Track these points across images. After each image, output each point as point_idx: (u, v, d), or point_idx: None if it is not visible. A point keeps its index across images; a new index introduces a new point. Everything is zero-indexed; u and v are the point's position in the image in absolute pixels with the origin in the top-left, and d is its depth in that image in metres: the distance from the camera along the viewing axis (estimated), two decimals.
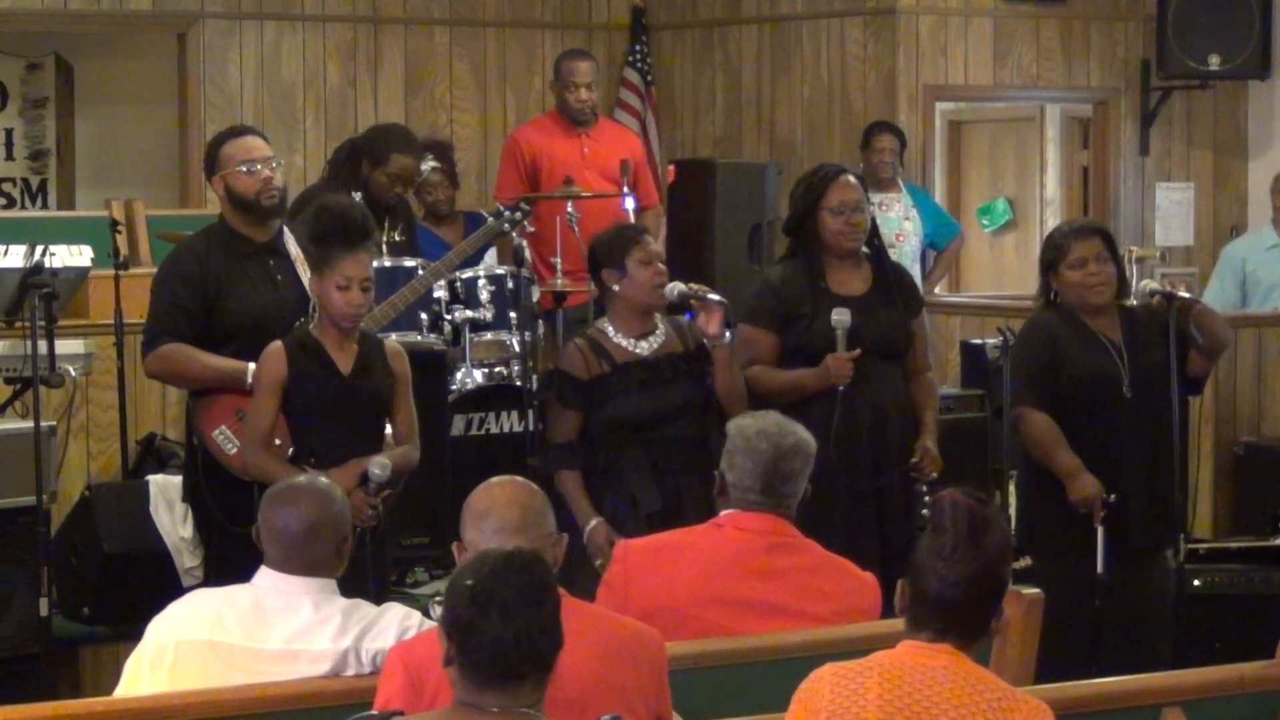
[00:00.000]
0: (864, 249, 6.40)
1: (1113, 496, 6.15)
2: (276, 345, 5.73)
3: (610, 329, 6.12)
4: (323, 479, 4.65)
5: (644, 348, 6.10)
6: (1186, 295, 6.34)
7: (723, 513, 4.97)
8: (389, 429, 5.91)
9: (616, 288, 6.09)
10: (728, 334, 6.06)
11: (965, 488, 3.72)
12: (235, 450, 5.92)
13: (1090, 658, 5.99)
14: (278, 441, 5.75)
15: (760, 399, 6.07)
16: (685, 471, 5.98)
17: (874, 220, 6.49)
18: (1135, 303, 6.53)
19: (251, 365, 5.93)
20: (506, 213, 7.54)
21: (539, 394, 6.29)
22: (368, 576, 5.25)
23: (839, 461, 6.09)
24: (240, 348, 5.94)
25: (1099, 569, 6.13)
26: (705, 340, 6.09)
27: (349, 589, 4.51)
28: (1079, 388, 6.25)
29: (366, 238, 5.83)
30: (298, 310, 5.99)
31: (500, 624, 3.43)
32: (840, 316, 6.16)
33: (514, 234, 7.72)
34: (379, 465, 5.60)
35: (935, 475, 6.30)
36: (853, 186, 6.33)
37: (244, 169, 6.08)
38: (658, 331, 6.14)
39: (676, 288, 6.13)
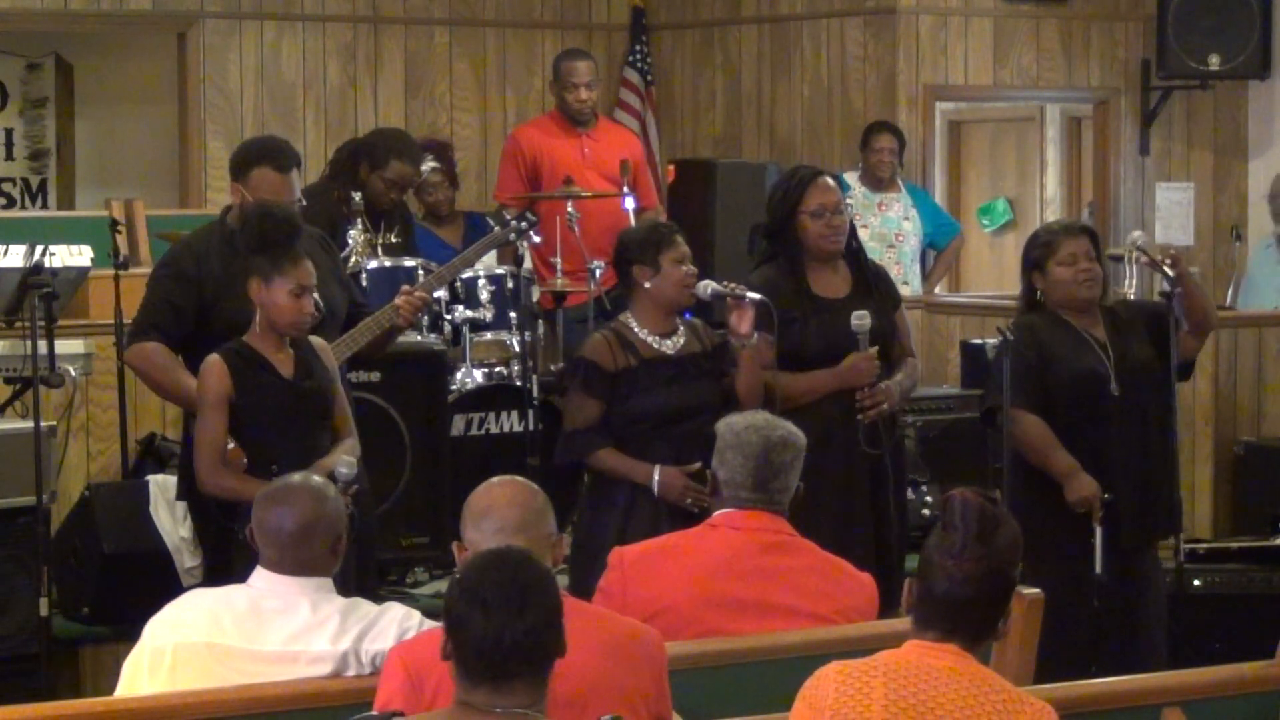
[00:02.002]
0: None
1: (1108, 495, 6.16)
2: (215, 360, 5.65)
3: (635, 324, 6.13)
4: (316, 478, 4.63)
5: (669, 346, 6.12)
6: (1170, 272, 6.29)
7: (716, 513, 4.97)
8: None
9: (648, 284, 6.10)
10: (755, 335, 6.07)
11: (975, 487, 3.71)
12: (233, 446, 5.90)
13: (1088, 658, 5.99)
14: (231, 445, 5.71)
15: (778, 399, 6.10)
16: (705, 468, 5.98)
17: (851, 221, 6.49)
18: (1123, 251, 6.50)
19: None
20: (513, 221, 7.53)
21: (562, 381, 6.28)
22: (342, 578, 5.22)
23: (834, 463, 6.11)
24: None
25: (1097, 568, 6.13)
26: (733, 339, 6.10)
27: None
28: (1067, 388, 6.26)
29: (300, 239, 5.79)
30: None
31: (482, 621, 3.42)
32: (861, 320, 6.17)
33: (519, 242, 7.71)
34: (345, 464, 5.56)
35: (887, 408, 6.26)
36: (831, 188, 6.32)
37: None
38: (680, 331, 6.16)
39: (710, 286, 6.14)
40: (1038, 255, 6.33)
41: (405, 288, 6.42)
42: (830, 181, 6.36)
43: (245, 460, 5.67)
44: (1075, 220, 6.43)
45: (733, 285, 6.17)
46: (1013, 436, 6.22)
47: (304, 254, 5.68)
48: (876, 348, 6.21)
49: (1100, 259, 6.37)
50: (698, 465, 5.84)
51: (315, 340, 5.88)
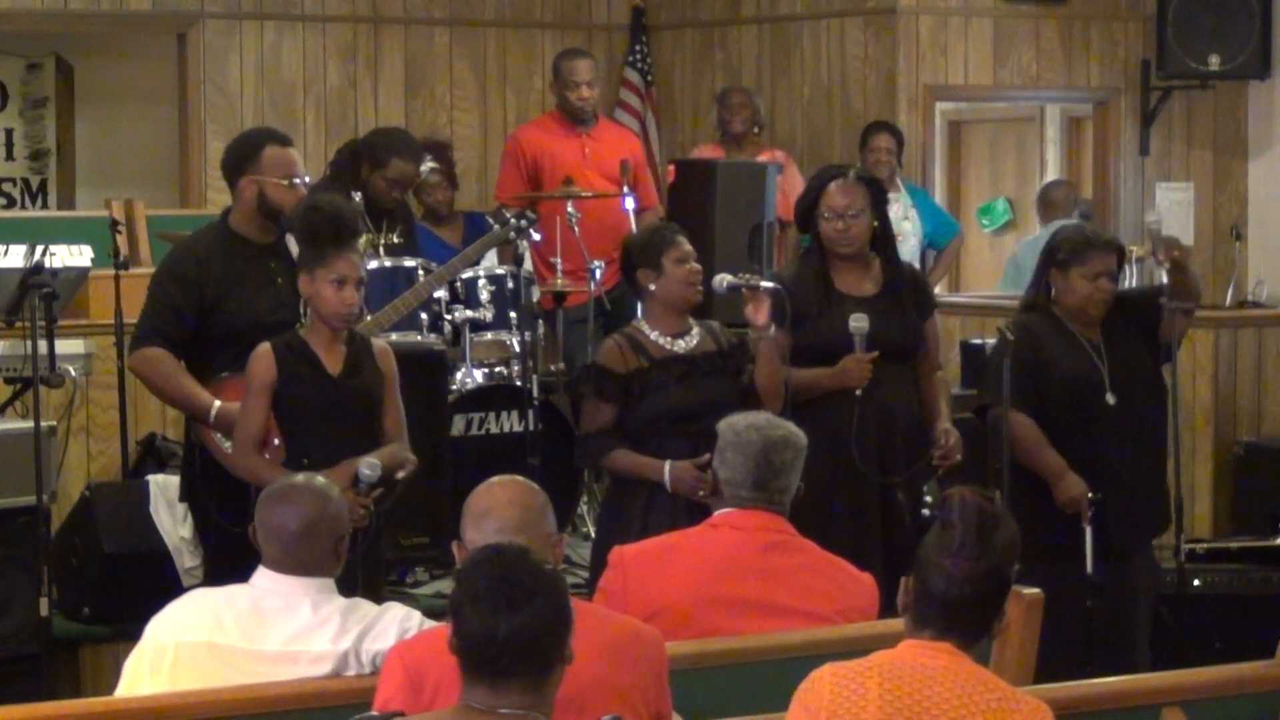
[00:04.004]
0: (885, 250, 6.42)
1: (1099, 495, 6.15)
2: (265, 347, 5.69)
3: (646, 327, 6.16)
4: (319, 478, 4.63)
5: (680, 346, 6.14)
6: (1163, 261, 6.32)
7: (717, 513, 4.98)
8: None
9: (653, 287, 6.13)
10: (773, 326, 6.09)
11: (973, 486, 3.72)
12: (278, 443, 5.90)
13: (1083, 659, 6.00)
14: (276, 442, 5.73)
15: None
16: None
17: (887, 221, 6.49)
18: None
19: (218, 402, 5.93)
20: (513, 219, 7.53)
21: (575, 387, 6.31)
22: (357, 578, 5.23)
23: (846, 462, 6.12)
24: (240, 350, 5.89)
25: (1088, 569, 6.14)
26: (750, 331, 6.12)
27: (340, 589, 4.50)
28: (1062, 390, 6.27)
29: (356, 236, 5.83)
30: (298, 312, 5.98)
31: (470, 614, 3.43)
32: (859, 323, 6.17)
33: (519, 240, 7.71)
34: (368, 466, 5.58)
35: (960, 457, 6.30)
36: (846, 191, 6.30)
37: (286, 182, 6.07)
38: (693, 331, 6.18)
39: (726, 280, 6.19)
40: (1064, 257, 6.31)
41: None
42: (849, 184, 6.32)
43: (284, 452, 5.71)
44: (1110, 236, 6.42)
45: (747, 276, 6.21)
46: (998, 435, 6.22)
47: (349, 246, 5.70)
48: (876, 353, 6.20)
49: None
50: (707, 457, 5.86)
51: (377, 343, 5.91)
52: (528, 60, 11.27)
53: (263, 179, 6.09)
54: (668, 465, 5.99)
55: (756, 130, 10.25)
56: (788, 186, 9.80)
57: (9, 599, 6.90)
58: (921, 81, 10.55)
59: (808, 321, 6.26)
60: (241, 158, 6.19)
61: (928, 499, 7.57)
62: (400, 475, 5.76)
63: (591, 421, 6.14)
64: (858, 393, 6.17)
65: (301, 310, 5.82)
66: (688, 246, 6.18)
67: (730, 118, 10.14)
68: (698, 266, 6.17)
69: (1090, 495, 6.15)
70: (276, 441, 5.74)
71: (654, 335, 6.15)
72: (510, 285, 8.03)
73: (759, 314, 6.10)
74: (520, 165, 9.27)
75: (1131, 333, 6.38)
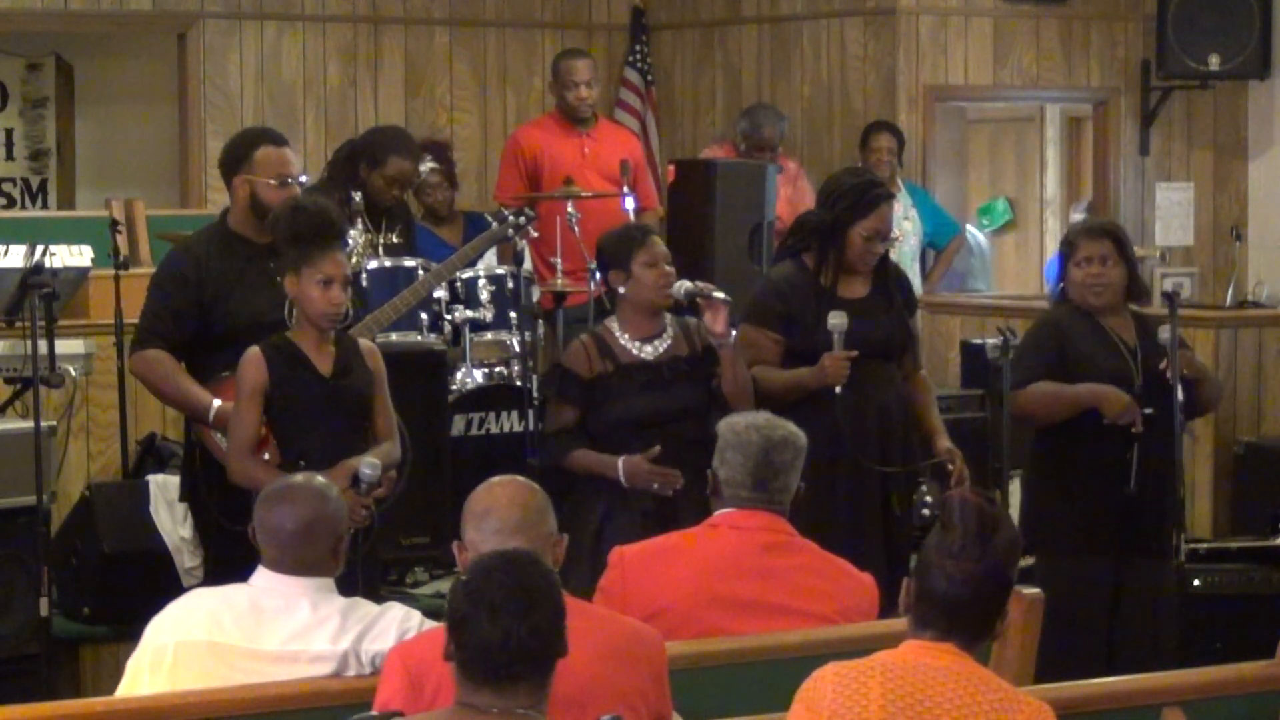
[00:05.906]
0: None
1: (1152, 410, 6.13)
2: (254, 351, 5.66)
3: (616, 329, 6.14)
4: (319, 478, 4.63)
5: (649, 351, 6.12)
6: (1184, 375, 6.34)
7: (716, 513, 4.97)
8: None
9: (622, 289, 6.11)
10: (733, 334, 6.08)
11: (974, 487, 3.72)
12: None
13: (1104, 655, 6.00)
14: (266, 456, 5.72)
15: (761, 399, 6.09)
16: (685, 472, 5.97)
17: None
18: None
19: (217, 402, 5.92)
20: (511, 217, 7.53)
21: (542, 388, 6.33)
22: (357, 578, 5.23)
23: (846, 461, 6.12)
24: (241, 350, 5.88)
25: (1132, 485, 6.13)
26: (711, 340, 6.10)
27: (340, 589, 4.50)
28: (1094, 383, 6.25)
29: (341, 235, 5.82)
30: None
31: (487, 623, 3.44)
32: (837, 320, 6.17)
33: (518, 238, 7.72)
34: (369, 465, 5.57)
35: (967, 473, 6.32)
36: (889, 214, 6.36)
37: (276, 182, 6.07)
38: (665, 334, 6.16)
39: (683, 286, 6.16)
40: (1064, 251, 6.38)
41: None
42: (890, 206, 6.41)
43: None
44: (1104, 222, 6.46)
45: (702, 285, 6.20)
46: (1027, 413, 6.24)
47: (334, 246, 5.69)
48: (855, 352, 6.20)
49: (1127, 261, 6.36)
50: (658, 449, 5.87)
51: (364, 343, 5.89)
52: (528, 60, 11.27)
53: (254, 179, 6.09)
54: (621, 461, 5.99)
55: (777, 151, 10.23)
56: (796, 198, 9.79)
57: (9, 599, 6.90)
58: (921, 81, 10.54)
59: (806, 326, 6.25)
60: (235, 157, 6.19)
61: (928, 499, 7.58)
62: (382, 491, 5.72)
63: (554, 422, 6.17)
64: (837, 390, 6.16)
65: (287, 312, 5.79)
66: (659, 249, 6.15)
67: (760, 140, 10.08)
68: (669, 269, 6.13)
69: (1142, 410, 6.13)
70: (266, 456, 5.72)
71: (623, 338, 6.13)
72: (510, 285, 8.03)
73: (717, 322, 6.09)
74: (520, 165, 9.27)
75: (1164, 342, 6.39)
